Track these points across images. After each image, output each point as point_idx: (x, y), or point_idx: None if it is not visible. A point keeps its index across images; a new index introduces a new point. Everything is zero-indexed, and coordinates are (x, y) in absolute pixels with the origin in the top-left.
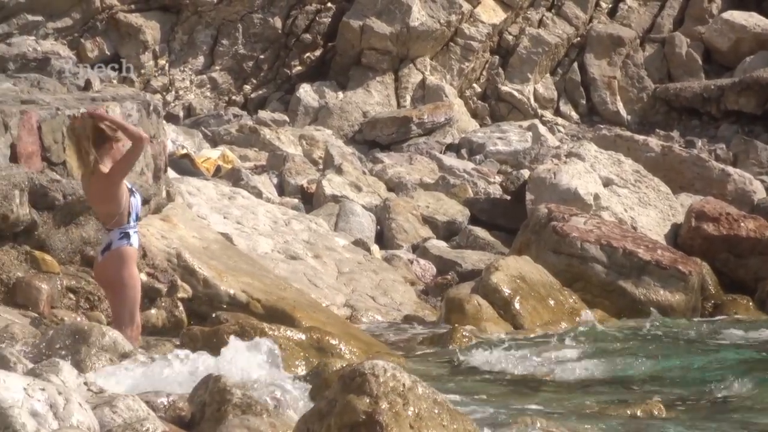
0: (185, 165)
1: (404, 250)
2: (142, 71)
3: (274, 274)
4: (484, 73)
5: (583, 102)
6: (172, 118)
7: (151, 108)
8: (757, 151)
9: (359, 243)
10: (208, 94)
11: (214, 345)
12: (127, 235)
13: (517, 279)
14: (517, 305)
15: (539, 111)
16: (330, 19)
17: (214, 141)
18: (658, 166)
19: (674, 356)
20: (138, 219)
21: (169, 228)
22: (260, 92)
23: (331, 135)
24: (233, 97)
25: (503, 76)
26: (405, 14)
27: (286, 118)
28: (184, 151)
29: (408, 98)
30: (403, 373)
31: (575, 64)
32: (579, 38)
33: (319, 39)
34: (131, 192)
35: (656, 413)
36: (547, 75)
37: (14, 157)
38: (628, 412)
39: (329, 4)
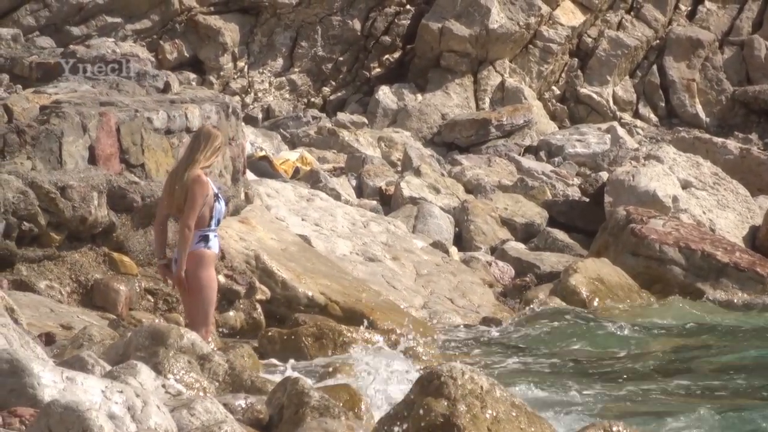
0: (264, 167)
1: (482, 252)
2: (221, 73)
3: (352, 276)
4: (563, 75)
5: (662, 104)
6: (250, 120)
7: (230, 110)
8: None
9: (437, 245)
10: (287, 96)
11: (292, 347)
12: (205, 238)
13: (596, 281)
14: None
15: (618, 113)
16: (409, 21)
17: (292, 143)
18: (736, 169)
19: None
20: (219, 223)
21: (247, 230)
22: (339, 94)
23: (410, 137)
24: (312, 99)
25: (582, 78)
26: (484, 16)
27: (365, 120)
28: (263, 153)
29: (487, 100)
30: (482, 375)
31: (654, 67)
32: (658, 41)
33: (398, 41)
34: (216, 197)
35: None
36: (626, 77)
37: (93, 159)
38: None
39: (408, 6)
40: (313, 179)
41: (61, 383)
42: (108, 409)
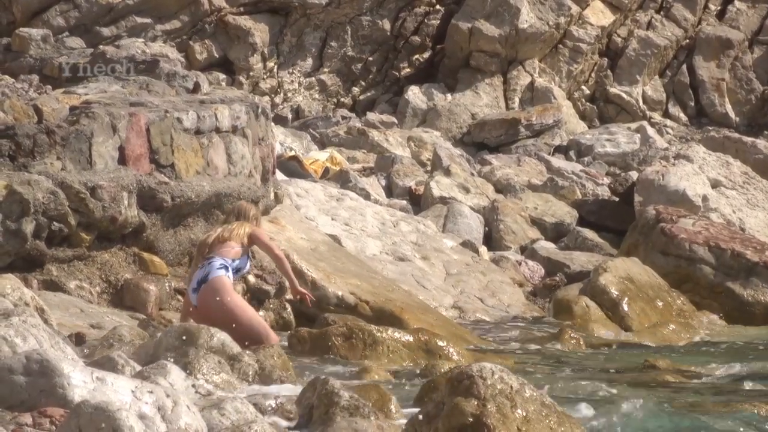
0: (293, 167)
1: (512, 251)
2: (251, 73)
3: (382, 275)
4: (593, 75)
5: (692, 104)
6: (280, 120)
7: (260, 110)
8: None
9: (467, 244)
10: (317, 96)
11: (321, 347)
12: (226, 268)
13: (626, 280)
14: (625, 307)
15: (648, 113)
16: (438, 22)
17: (322, 143)
18: (766, 168)
19: None
20: (237, 273)
21: (277, 230)
22: (369, 94)
23: (439, 137)
24: (341, 99)
25: (612, 78)
26: (514, 16)
27: (395, 120)
28: (293, 153)
29: (516, 100)
30: (511, 375)
31: (684, 66)
32: (688, 40)
33: (428, 41)
34: (248, 257)
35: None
36: (656, 77)
37: (122, 159)
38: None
39: (438, 7)
40: (342, 179)
41: (91, 383)
42: (138, 409)
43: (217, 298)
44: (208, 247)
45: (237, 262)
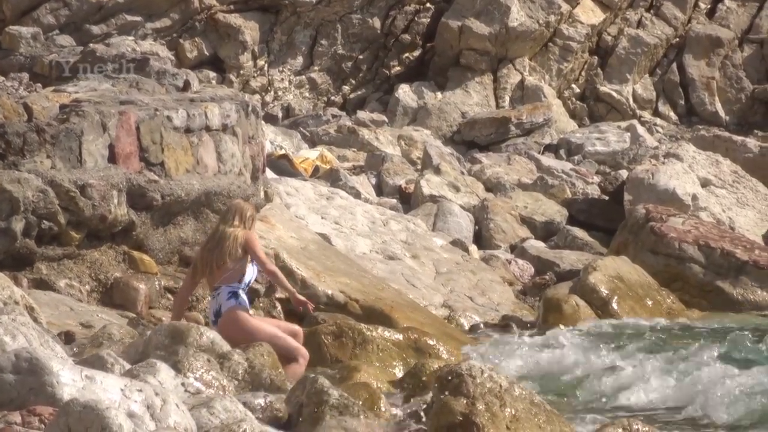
0: (283, 165)
1: (502, 250)
2: (241, 72)
3: (371, 274)
4: (583, 73)
5: (682, 102)
6: (270, 119)
7: (250, 109)
8: None
9: (457, 243)
10: (307, 94)
11: (311, 346)
12: (235, 295)
13: (615, 279)
14: (614, 305)
15: (638, 111)
16: (429, 20)
17: (312, 141)
18: (756, 167)
19: None
20: (248, 285)
21: (267, 228)
22: (359, 92)
23: (430, 135)
24: (332, 98)
25: (602, 76)
26: (504, 15)
27: (385, 119)
28: (283, 152)
29: (506, 99)
30: (500, 374)
31: (674, 65)
32: (678, 39)
33: (418, 39)
34: (252, 262)
35: None
36: (646, 75)
37: (112, 158)
38: None
39: (428, 5)
40: (332, 178)
41: (81, 382)
42: (127, 408)
43: (236, 329)
44: (209, 271)
45: (243, 280)
